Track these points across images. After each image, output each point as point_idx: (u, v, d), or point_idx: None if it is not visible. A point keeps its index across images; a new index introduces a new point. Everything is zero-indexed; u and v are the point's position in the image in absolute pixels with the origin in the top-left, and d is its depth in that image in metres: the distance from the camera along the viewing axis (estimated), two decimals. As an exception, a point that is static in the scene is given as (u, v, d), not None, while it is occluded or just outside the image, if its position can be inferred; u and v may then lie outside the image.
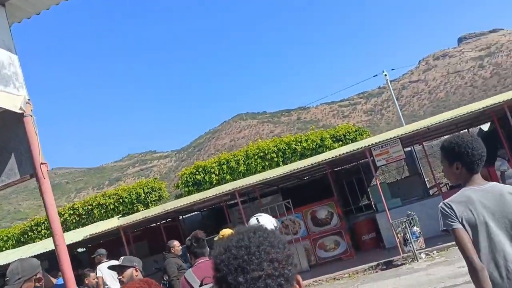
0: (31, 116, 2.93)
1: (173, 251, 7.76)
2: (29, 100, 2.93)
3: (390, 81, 27.34)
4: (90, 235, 11.73)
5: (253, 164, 16.72)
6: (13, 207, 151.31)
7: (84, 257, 17.74)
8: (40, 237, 17.15)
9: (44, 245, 13.41)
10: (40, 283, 2.85)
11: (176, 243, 8.05)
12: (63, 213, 17.73)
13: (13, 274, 2.77)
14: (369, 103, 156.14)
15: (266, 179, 11.29)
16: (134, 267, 3.86)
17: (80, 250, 18.29)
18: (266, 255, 1.04)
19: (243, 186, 11.23)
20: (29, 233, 17.56)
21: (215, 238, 6.38)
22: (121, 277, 3.85)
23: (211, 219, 16.78)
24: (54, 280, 2.93)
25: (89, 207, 17.56)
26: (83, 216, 17.47)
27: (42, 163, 2.90)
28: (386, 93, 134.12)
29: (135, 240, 17.00)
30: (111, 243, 14.45)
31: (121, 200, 17.46)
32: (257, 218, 4.10)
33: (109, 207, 17.34)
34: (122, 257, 4.01)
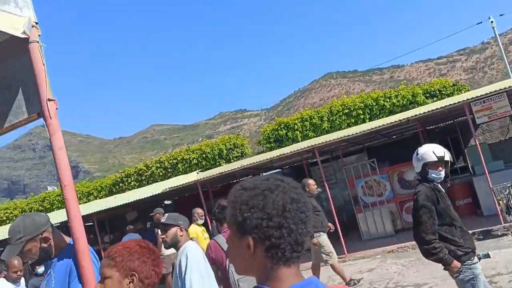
0: (37, 42, 2.47)
1: (308, 189, 7.57)
2: (36, 23, 2.48)
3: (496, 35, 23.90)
4: (168, 188, 11.88)
5: (337, 121, 15.79)
6: (118, 160, 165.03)
7: (169, 210, 18.44)
8: (130, 188, 18.01)
9: (129, 196, 13.98)
10: (48, 243, 2.47)
11: (311, 181, 7.83)
12: (150, 166, 18.43)
13: (14, 232, 2.42)
14: (470, 60, 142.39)
15: (347, 136, 10.41)
16: (179, 226, 3.47)
17: (167, 202, 19.03)
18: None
19: (322, 143, 10.48)
20: (120, 184, 18.53)
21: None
22: (164, 236, 3.48)
23: (292, 178, 16.28)
24: (68, 239, 2.52)
25: (174, 161, 18.00)
26: (169, 170, 17.98)
27: (49, 100, 2.46)
28: (490, 48, 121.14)
29: (218, 195, 17.21)
30: (193, 198, 14.64)
31: (204, 156, 17.63)
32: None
33: (192, 162, 17.62)
34: (166, 214, 3.62)
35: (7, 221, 19.17)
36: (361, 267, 9.28)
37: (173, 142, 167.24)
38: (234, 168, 11.40)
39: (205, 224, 8.56)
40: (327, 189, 10.94)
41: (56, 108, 2.46)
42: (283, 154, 10.83)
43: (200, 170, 16.49)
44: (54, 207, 18.95)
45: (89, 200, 18.45)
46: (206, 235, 7.95)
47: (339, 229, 10.12)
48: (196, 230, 7.77)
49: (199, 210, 8.12)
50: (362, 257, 10.30)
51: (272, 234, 1.07)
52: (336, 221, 10.30)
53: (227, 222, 1.19)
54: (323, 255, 7.58)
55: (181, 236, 3.43)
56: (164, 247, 3.56)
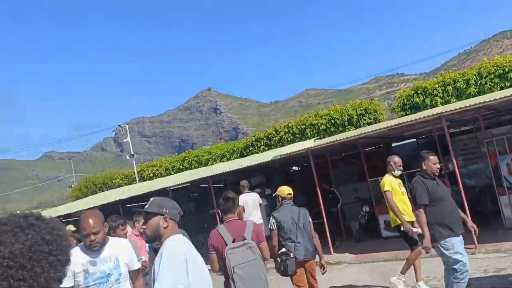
0: None
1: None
2: None
3: None
4: (279, 155, 11.45)
5: (487, 85, 13.26)
6: (273, 123, 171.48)
7: (295, 176, 18.17)
8: (260, 151, 18.16)
9: (253, 159, 13.99)
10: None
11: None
12: (279, 130, 18.27)
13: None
14: None
15: (485, 102, 8.50)
16: (163, 214, 2.76)
17: (294, 168, 18.80)
18: None
19: (451, 110, 8.77)
20: (250, 148, 18.84)
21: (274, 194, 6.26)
22: (144, 226, 2.82)
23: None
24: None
25: (303, 126, 17.49)
26: (297, 135, 17.57)
27: None
28: None
29: (344, 163, 16.30)
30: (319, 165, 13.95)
31: (332, 121, 16.73)
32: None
33: (320, 128, 16.88)
34: (151, 199, 2.92)
35: (155, 177, 21.30)
36: (488, 265, 7.61)
37: (327, 107, 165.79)
38: (349, 137, 10.38)
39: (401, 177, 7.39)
40: (457, 165, 9.23)
41: None
42: (403, 122, 9.42)
43: (321, 137, 15.72)
44: (192, 167, 20.27)
45: (222, 161, 19.23)
46: (403, 189, 6.87)
47: (468, 212, 8.44)
48: (391, 181, 6.77)
49: (396, 159, 6.91)
50: (496, 250, 8.51)
51: (11, 275, 1.03)
52: (465, 204, 8.66)
53: None
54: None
55: (164, 228, 2.74)
56: (145, 240, 3.07)
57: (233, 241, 3.89)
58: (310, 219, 5.76)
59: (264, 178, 16.80)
